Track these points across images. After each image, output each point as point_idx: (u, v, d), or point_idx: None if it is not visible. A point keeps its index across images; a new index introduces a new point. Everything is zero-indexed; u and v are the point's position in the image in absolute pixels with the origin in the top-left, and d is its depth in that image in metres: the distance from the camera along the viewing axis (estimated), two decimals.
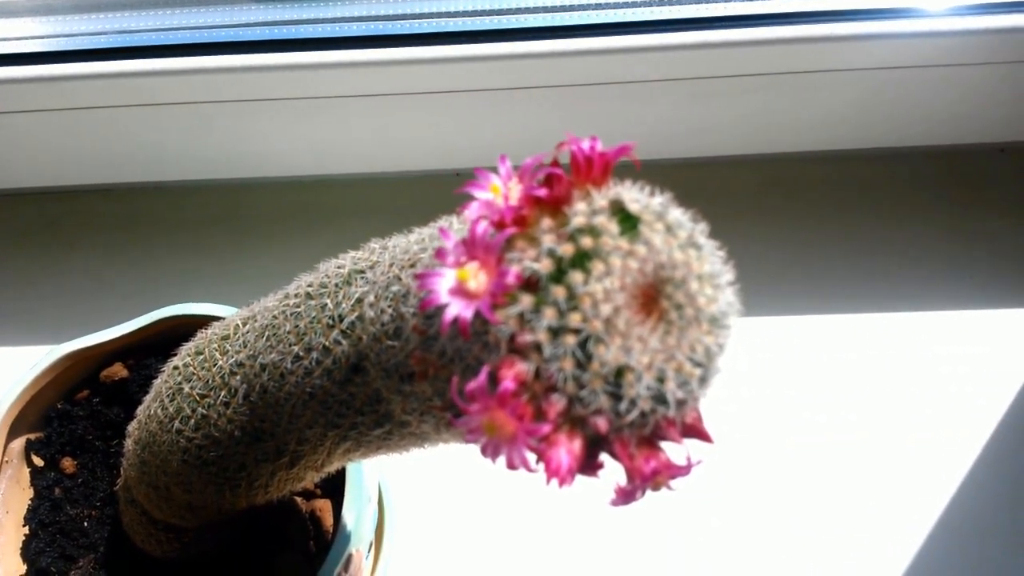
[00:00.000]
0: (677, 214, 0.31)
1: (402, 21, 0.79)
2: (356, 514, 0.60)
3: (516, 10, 0.76)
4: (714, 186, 0.90)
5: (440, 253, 0.29)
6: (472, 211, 0.29)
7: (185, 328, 0.58)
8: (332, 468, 0.51)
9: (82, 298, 0.86)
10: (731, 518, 0.76)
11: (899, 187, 0.90)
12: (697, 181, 0.90)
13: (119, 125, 0.82)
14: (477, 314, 0.29)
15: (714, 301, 0.30)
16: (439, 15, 0.78)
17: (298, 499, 0.64)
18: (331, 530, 0.63)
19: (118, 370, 0.66)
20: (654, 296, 0.29)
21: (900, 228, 0.88)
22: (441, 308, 0.29)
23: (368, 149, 0.88)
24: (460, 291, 0.29)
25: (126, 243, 0.88)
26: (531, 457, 0.29)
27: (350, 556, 0.60)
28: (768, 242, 0.87)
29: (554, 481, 0.29)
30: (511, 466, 0.29)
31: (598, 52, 0.74)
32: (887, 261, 0.86)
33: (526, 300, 0.28)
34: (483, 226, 0.29)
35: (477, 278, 0.29)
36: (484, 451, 0.29)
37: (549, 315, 0.28)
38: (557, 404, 0.28)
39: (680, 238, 0.30)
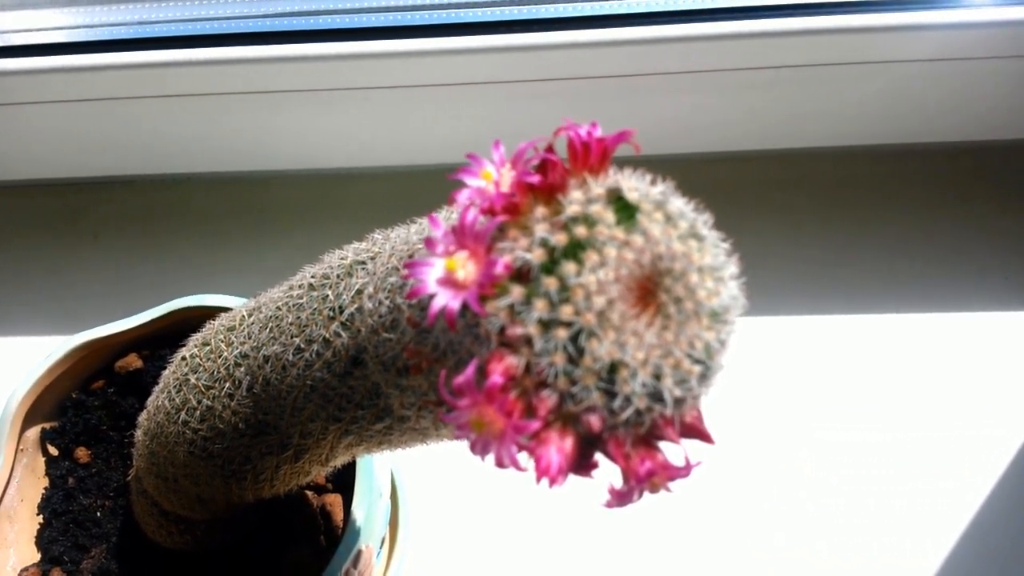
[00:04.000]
0: (679, 204, 0.29)
1: (424, 12, 0.78)
2: (366, 509, 0.59)
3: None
4: (734, 182, 0.88)
5: (429, 242, 0.28)
6: (462, 198, 0.28)
7: (199, 319, 0.57)
8: (337, 462, 0.50)
9: (104, 288, 0.86)
10: (748, 524, 0.74)
11: (930, 184, 0.87)
12: (715, 176, 0.88)
13: (141, 116, 0.82)
14: (467, 305, 0.27)
15: (715, 295, 0.28)
16: (460, 5, 0.77)
17: (309, 493, 0.64)
18: (341, 525, 0.62)
19: (132, 360, 0.65)
20: (651, 289, 0.28)
21: (931, 226, 0.85)
22: (429, 299, 0.28)
23: (390, 141, 0.87)
24: (448, 281, 0.28)
25: (148, 234, 0.89)
26: (521, 455, 0.28)
27: (360, 551, 0.59)
28: (791, 240, 0.85)
29: (544, 481, 0.27)
30: (500, 464, 0.28)
31: (626, 43, 0.72)
32: (918, 261, 0.84)
33: (516, 291, 0.27)
34: (472, 213, 0.28)
35: (466, 268, 0.27)
36: (473, 448, 0.28)
37: (540, 307, 0.27)
38: (548, 400, 0.27)
39: (680, 228, 0.29)
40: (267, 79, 0.78)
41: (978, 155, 0.87)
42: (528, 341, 0.27)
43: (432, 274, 0.28)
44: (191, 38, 0.78)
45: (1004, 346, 0.80)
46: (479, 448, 0.28)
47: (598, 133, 0.29)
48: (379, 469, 0.62)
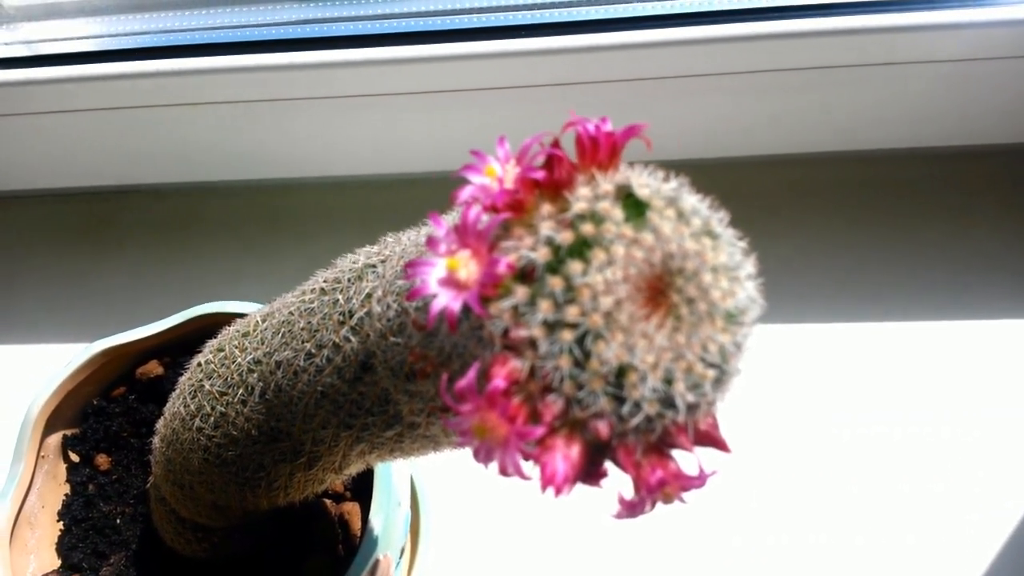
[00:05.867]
0: (692, 200, 0.28)
1: (448, 16, 0.77)
2: (384, 518, 0.58)
3: (553, 4, 0.74)
4: (758, 186, 0.86)
5: (431, 241, 0.27)
6: (464, 195, 0.27)
7: (220, 325, 0.57)
8: (352, 470, 0.49)
9: (129, 296, 0.87)
10: (770, 534, 0.72)
11: (964, 188, 0.85)
12: (738, 181, 0.86)
13: (165, 125, 0.82)
14: (469, 307, 0.26)
15: (731, 295, 0.27)
16: (485, 10, 0.77)
17: (327, 502, 0.63)
18: (359, 534, 0.61)
19: (153, 367, 0.65)
20: (662, 289, 0.26)
21: (964, 232, 0.82)
22: (430, 299, 0.27)
23: (412, 148, 0.86)
24: (450, 281, 0.27)
25: (172, 242, 0.89)
26: (526, 463, 0.27)
27: (377, 561, 0.58)
28: (816, 246, 0.83)
29: (550, 490, 0.26)
30: (503, 472, 0.26)
31: (636, 47, 0.71)
32: (950, 267, 0.81)
33: (521, 292, 0.26)
34: (475, 211, 0.27)
35: (468, 267, 0.26)
36: (476, 455, 0.27)
37: (545, 308, 0.26)
38: (554, 406, 0.26)
39: (693, 226, 0.27)
40: (289, 86, 0.78)
41: (1011, 158, 0.85)
42: (532, 344, 0.26)
43: (434, 274, 0.27)
44: (215, 46, 0.78)
45: None
46: (482, 455, 0.27)
47: (607, 128, 0.28)
48: (398, 477, 0.61)
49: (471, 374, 0.26)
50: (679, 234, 0.27)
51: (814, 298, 0.81)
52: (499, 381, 0.26)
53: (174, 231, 0.90)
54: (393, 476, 0.59)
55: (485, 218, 0.27)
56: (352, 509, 0.62)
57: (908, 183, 0.86)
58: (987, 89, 0.77)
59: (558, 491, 0.26)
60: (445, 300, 0.26)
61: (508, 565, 0.73)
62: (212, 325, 0.62)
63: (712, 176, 0.84)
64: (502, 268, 0.26)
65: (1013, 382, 0.76)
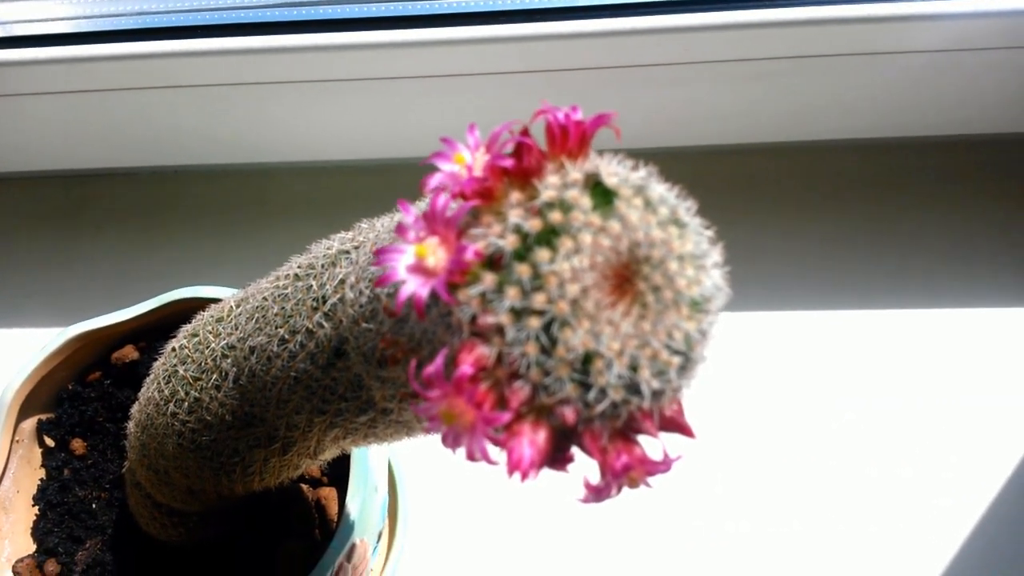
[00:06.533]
0: (660, 189, 0.28)
1: (428, 1, 0.77)
2: (360, 503, 0.58)
3: None
4: (739, 175, 0.87)
5: (400, 228, 0.27)
6: (433, 183, 0.27)
7: (196, 310, 0.57)
8: (327, 456, 0.49)
9: (107, 280, 0.86)
10: (750, 521, 0.73)
11: (942, 178, 0.85)
12: (719, 170, 0.86)
13: (143, 108, 0.82)
14: (437, 294, 0.27)
15: (696, 283, 0.27)
16: None
17: (304, 487, 0.63)
18: (336, 519, 0.62)
19: (129, 352, 0.65)
20: (628, 277, 0.27)
21: (943, 221, 0.83)
22: (398, 286, 0.27)
23: (392, 134, 0.86)
24: (418, 268, 0.27)
25: (150, 226, 0.88)
26: (493, 448, 0.27)
27: (354, 545, 0.59)
28: (797, 235, 0.83)
29: (516, 475, 0.26)
30: (471, 457, 0.27)
31: (622, 33, 0.71)
32: (929, 256, 0.82)
33: (488, 279, 0.26)
34: (443, 199, 0.27)
35: (436, 254, 0.27)
36: (444, 441, 0.27)
37: (512, 295, 0.26)
38: (520, 392, 0.26)
39: (660, 215, 0.27)
40: (268, 70, 0.78)
41: (992, 148, 0.85)
42: (500, 330, 0.26)
43: (402, 261, 0.27)
44: (192, 28, 0.77)
45: (1016, 343, 0.78)
46: (450, 440, 0.27)
47: (577, 116, 0.28)
48: (375, 462, 0.61)
49: (439, 360, 0.26)
50: (646, 223, 0.27)
51: (793, 286, 0.81)
52: (466, 367, 0.26)
53: (152, 215, 0.89)
54: (370, 461, 0.60)
55: (454, 205, 0.27)
56: (329, 494, 0.62)
57: (890, 172, 0.86)
58: (970, 79, 0.78)
59: (524, 476, 0.26)
60: (413, 287, 0.26)
61: (487, 549, 0.74)
62: (188, 310, 0.62)
63: (692, 165, 0.85)
64: (470, 255, 0.26)
65: (992, 369, 0.77)
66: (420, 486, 0.75)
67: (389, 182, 0.89)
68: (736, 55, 0.73)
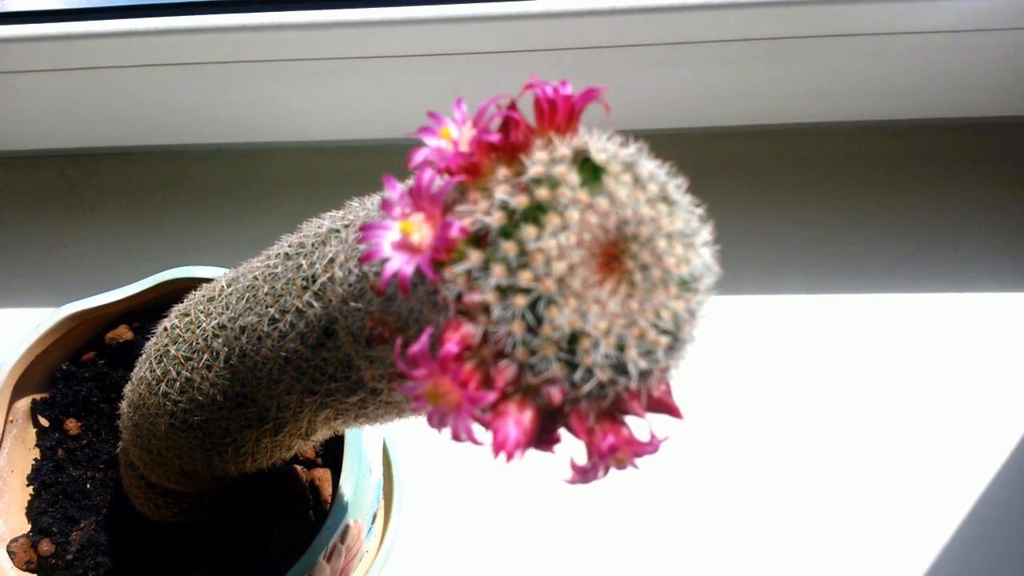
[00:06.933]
0: (649, 166, 0.28)
1: None
2: (354, 485, 0.58)
3: None
4: (738, 157, 0.86)
5: (386, 204, 0.27)
6: (419, 158, 0.27)
7: (188, 291, 0.57)
8: (319, 436, 0.49)
9: (101, 260, 0.86)
10: (751, 504, 0.73)
11: (940, 161, 0.85)
12: (718, 152, 0.85)
13: (137, 86, 0.81)
14: (422, 271, 0.26)
15: (685, 262, 0.27)
16: None
17: (298, 468, 0.63)
18: (330, 500, 0.61)
19: (123, 332, 0.65)
20: (616, 255, 0.26)
21: (940, 204, 0.82)
22: (383, 263, 0.26)
23: (390, 114, 0.85)
24: (403, 245, 0.26)
25: (144, 206, 0.88)
26: (479, 428, 0.26)
27: (348, 527, 0.59)
28: (794, 217, 0.83)
29: (502, 455, 0.26)
30: (456, 437, 0.26)
31: (619, 12, 0.70)
32: (926, 239, 0.81)
33: (475, 256, 0.26)
34: (429, 174, 0.26)
35: (421, 231, 0.26)
36: (430, 420, 0.27)
37: (498, 273, 0.26)
38: (506, 371, 0.26)
39: (649, 192, 0.27)
40: (263, 48, 0.77)
41: (991, 132, 0.85)
42: (486, 309, 0.26)
43: (388, 237, 0.27)
44: (187, 5, 0.76)
45: (1011, 327, 0.78)
46: (436, 420, 0.27)
47: (566, 91, 0.28)
48: (369, 444, 0.61)
49: (423, 339, 0.26)
50: (635, 199, 0.27)
51: (787, 269, 0.81)
52: (451, 346, 0.25)
53: (146, 194, 0.89)
54: (364, 443, 0.59)
55: (439, 181, 0.26)
56: (323, 475, 0.62)
57: (887, 155, 0.85)
58: (969, 61, 0.77)
59: (509, 456, 0.26)
60: (398, 264, 0.26)
61: (483, 530, 0.73)
62: (182, 290, 0.61)
63: (688, 147, 0.84)
64: (455, 232, 0.25)
65: (985, 354, 0.77)
66: (416, 467, 0.75)
67: (386, 162, 0.88)
68: (732, 35, 0.72)
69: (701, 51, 0.74)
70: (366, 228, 0.27)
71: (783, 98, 0.81)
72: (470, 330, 0.26)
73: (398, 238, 0.27)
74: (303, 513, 0.62)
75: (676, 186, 0.28)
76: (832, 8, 0.69)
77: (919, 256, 0.81)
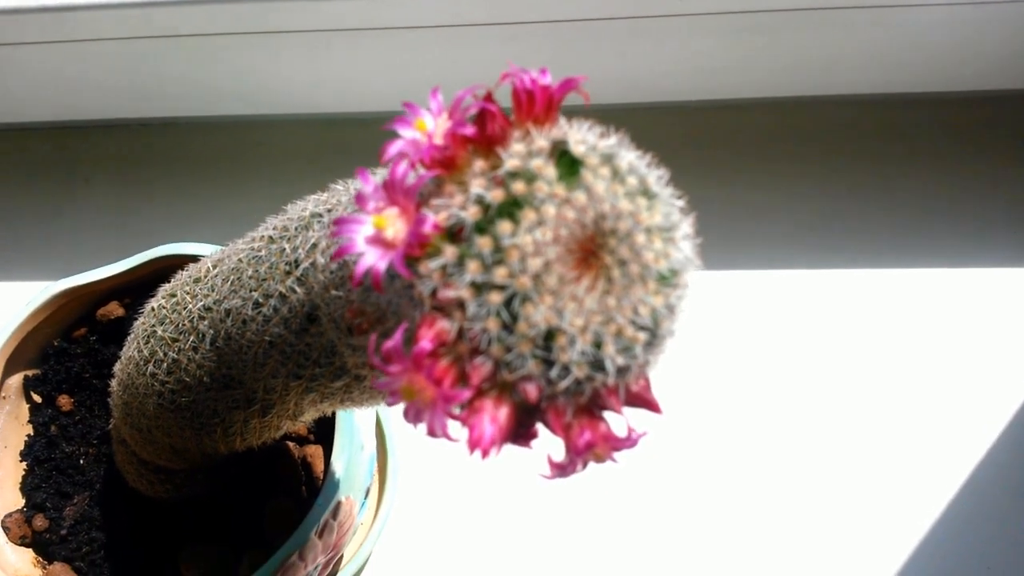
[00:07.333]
0: (629, 158, 0.27)
1: None
2: (346, 461, 0.58)
3: None
4: (737, 130, 0.85)
5: (360, 198, 0.27)
6: (392, 151, 0.26)
7: (180, 267, 0.56)
8: (308, 417, 0.49)
9: (96, 234, 0.85)
10: (753, 482, 0.73)
11: (941, 134, 0.83)
12: (716, 125, 0.84)
13: (132, 57, 0.80)
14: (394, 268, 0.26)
15: (664, 257, 0.26)
16: None
17: (291, 444, 0.63)
18: (322, 476, 0.62)
19: (114, 309, 0.65)
20: (594, 251, 0.26)
21: (940, 178, 0.81)
22: (356, 258, 0.26)
23: (383, 86, 0.84)
24: (377, 240, 0.26)
25: (140, 180, 0.87)
26: (454, 425, 0.26)
27: (339, 503, 0.59)
28: (793, 192, 0.82)
29: (477, 452, 0.26)
30: (431, 434, 0.26)
31: None
32: (926, 214, 0.80)
33: (449, 252, 0.25)
34: (403, 168, 0.26)
35: (395, 226, 0.26)
36: (406, 416, 0.27)
37: (473, 269, 0.25)
38: (482, 368, 0.26)
39: (628, 185, 0.26)
40: (259, 18, 0.76)
41: (992, 104, 0.83)
42: (461, 305, 0.25)
43: (361, 232, 0.26)
44: None
45: (1011, 302, 0.77)
46: (412, 416, 0.26)
47: (545, 80, 0.27)
48: (361, 421, 0.61)
49: (397, 336, 0.25)
50: (613, 193, 0.26)
51: (786, 244, 0.80)
52: (425, 343, 0.25)
53: (142, 167, 0.88)
54: (356, 419, 0.59)
55: (413, 175, 0.26)
56: (315, 452, 0.62)
57: (886, 128, 0.84)
58: (970, 33, 0.75)
59: (485, 453, 0.26)
60: (371, 260, 0.26)
61: (477, 506, 0.74)
62: (173, 266, 0.61)
63: (685, 120, 0.83)
64: (428, 227, 0.25)
65: (983, 328, 0.77)
66: (411, 441, 0.75)
67: (381, 135, 0.87)
68: (732, 7, 0.70)
69: (698, 23, 0.72)
70: (340, 223, 0.26)
71: (783, 70, 0.80)
72: (445, 326, 0.26)
73: (372, 233, 0.26)
74: (295, 490, 0.62)
75: (657, 178, 0.27)
76: None
77: (920, 229, 0.80)
